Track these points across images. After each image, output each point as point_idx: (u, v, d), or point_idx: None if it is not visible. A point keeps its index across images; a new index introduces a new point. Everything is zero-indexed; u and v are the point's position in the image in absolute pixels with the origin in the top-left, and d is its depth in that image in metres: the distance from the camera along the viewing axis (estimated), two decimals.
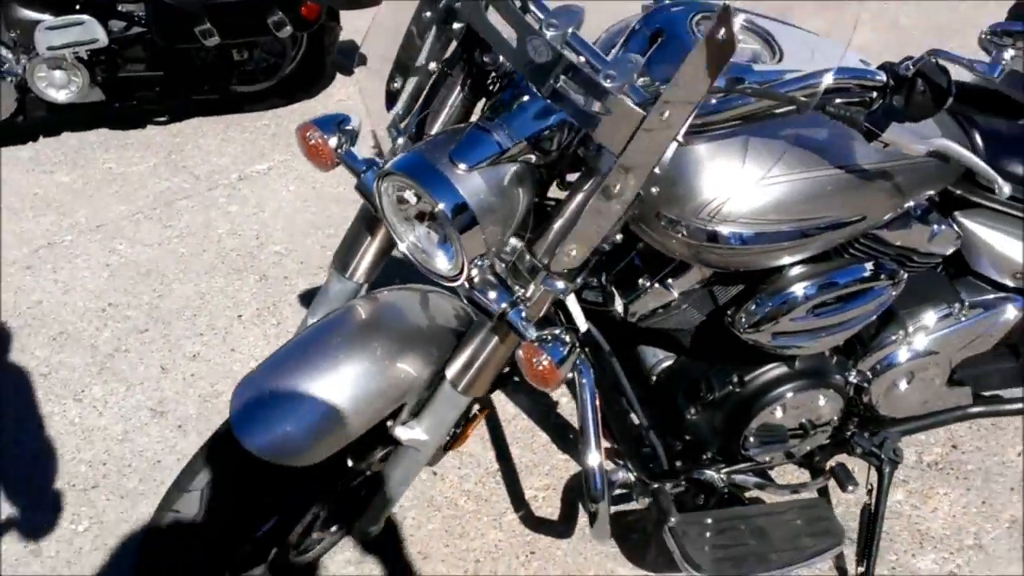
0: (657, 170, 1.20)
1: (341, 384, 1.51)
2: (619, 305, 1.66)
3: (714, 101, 1.29)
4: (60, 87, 3.55)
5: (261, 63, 3.89)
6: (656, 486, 1.85)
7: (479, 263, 1.36)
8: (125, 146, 3.75)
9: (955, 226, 1.75)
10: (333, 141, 1.52)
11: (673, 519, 1.80)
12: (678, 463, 1.87)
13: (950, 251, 1.76)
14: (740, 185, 1.38)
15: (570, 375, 1.43)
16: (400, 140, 1.50)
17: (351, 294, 1.71)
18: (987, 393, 2.09)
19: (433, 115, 1.50)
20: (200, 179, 3.50)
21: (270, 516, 1.68)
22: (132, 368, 2.55)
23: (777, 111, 1.31)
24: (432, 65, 1.46)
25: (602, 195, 1.21)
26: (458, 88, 1.47)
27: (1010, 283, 1.85)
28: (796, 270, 1.60)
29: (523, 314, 1.41)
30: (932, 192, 1.65)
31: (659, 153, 1.16)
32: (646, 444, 1.84)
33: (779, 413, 1.78)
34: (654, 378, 1.85)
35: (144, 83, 3.71)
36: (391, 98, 1.53)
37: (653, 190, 1.29)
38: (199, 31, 3.46)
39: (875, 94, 1.30)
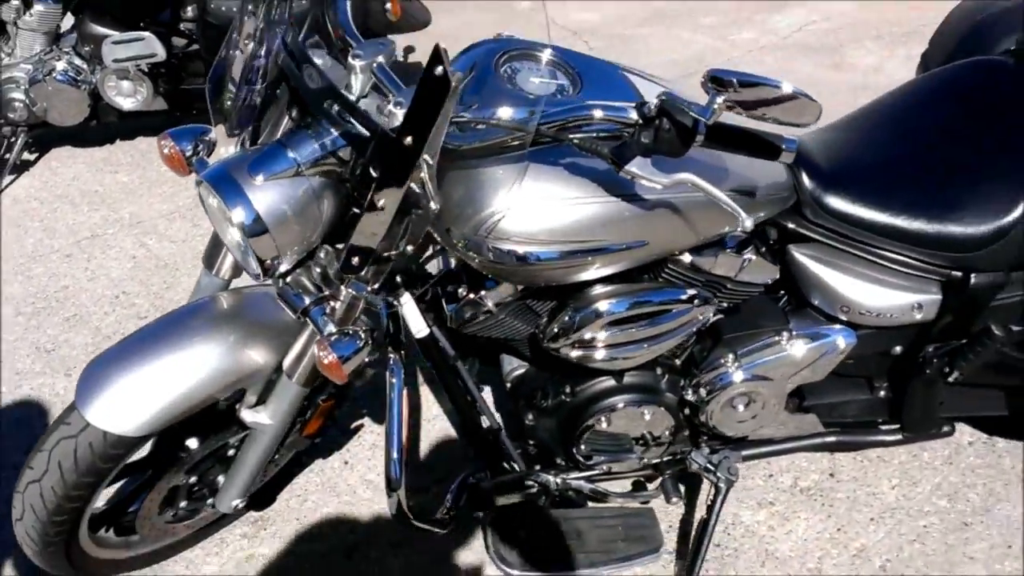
0: (431, 189, 1.40)
1: (182, 364, 1.75)
2: (446, 312, 1.82)
3: (482, 127, 1.46)
4: (127, 96, 3.93)
5: None
6: (491, 483, 2.01)
7: (279, 264, 1.57)
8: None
9: (772, 258, 1.84)
10: (188, 150, 1.71)
11: (491, 514, 1.96)
12: (515, 465, 2.01)
13: (768, 281, 1.86)
14: (514, 206, 1.53)
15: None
16: (232, 150, 1.72)
17: (217, 289, 1.95)
18: (847, 422, 2.16)
19: (266, 127, 1.70)
20: None
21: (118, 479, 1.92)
22: None
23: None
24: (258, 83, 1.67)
25: (368, 209, 1.40)
26: (284, 104, 1.67)
27: (840, 316, 1.93)
28: (602, 288, 1.74)
29: (325, 312, 1.62)
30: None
31: (408, 172, 1.34)
32: (498, 446, 2.00)
33: (604, 424, 1.92)
34: (508, 384, 2.02)
35: (201, 95, 4.05)
36: (220, 112, 1.75)
37: (432, 205, 1.43)
38: None
39: (629, 130, 1.43)
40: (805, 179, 1.84)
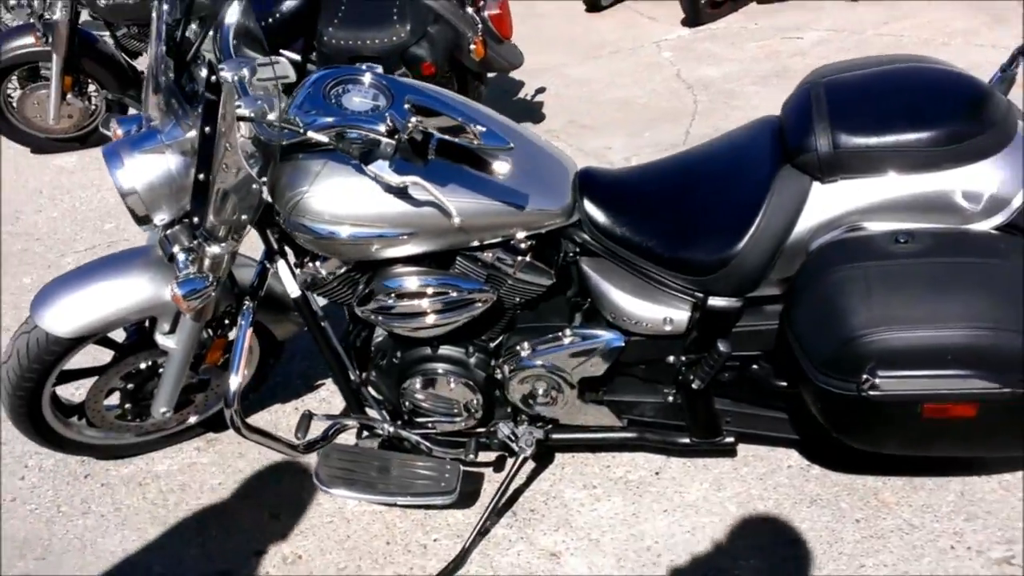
0: (243, 168, 2.03)
1: (108, 291, 2.41)
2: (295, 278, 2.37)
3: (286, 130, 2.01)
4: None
5: None
6: (341, 424, 2.54)
7: (153, 218, 2.20)
8: None
9: (548, 264, 2.25)
10: (132, 131, 2.33)
11: (326, 446, 2.48)
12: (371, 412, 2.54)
13: (545, 283, 2.28)
14: (312, 191, 2.10)
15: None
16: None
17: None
18: (646, 421, 2.51)
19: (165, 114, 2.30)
20: None
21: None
22: None
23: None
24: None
25: (198, 182, 2.07)
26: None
27: (612, 321, 2.32)
28: (402, 268, 2.23)
29: (191, 260, 2.22)
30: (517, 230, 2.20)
31: (210, 154, 2.01)
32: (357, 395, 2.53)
33: (418, 387, 2.42)
34: (372, 346, 2.54)
35: None
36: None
37: (254, 187, 2.07)
38: None
39: (381, 138, 1.94)
40: (587, 203, 2.26)
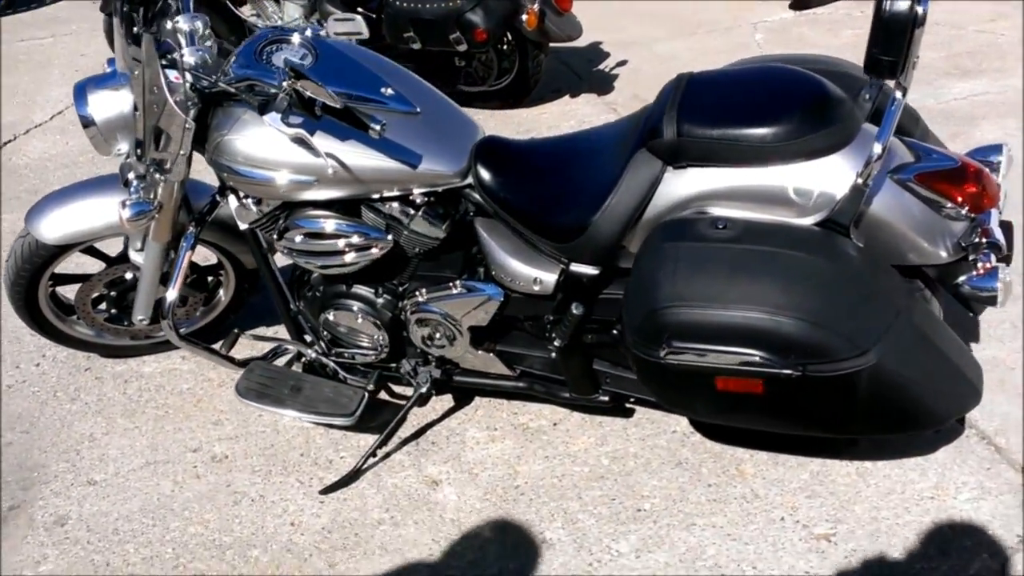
0: (173, 109, 2.39)
1: (89, 209, 2.81)
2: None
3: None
4: None
5: (479, 72, 5.16)
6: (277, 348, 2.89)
7: (112, 148, 2.59)
8: None
9: (437, 220, 2.52)
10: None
11: (253, 362, 2.83)
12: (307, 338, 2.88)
13: (438, 236, 2.54)
14: (231, 135, 2.44)
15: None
16: None
17: None
18: (535, 373, 2.74)
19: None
20: None
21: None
22: None
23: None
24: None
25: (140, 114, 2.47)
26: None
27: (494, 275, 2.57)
28: (312, 210, 2.54)
29: (140, 185, 2.60)
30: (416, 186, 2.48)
31: (145, 101, 2.40)
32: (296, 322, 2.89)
33: (331, 318, 2.73)
34: (309, 280, 2.86)
35: None
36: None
37: (185, 125, 2.42)
38: (406, 36, 4.85)
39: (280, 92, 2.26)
40: (480, 168, 2.50)
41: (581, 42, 6.16)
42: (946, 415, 2.22)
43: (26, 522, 2.69)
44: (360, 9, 5.07)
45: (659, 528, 2.48)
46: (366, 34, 4.96)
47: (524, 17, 4.76)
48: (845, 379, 2.09)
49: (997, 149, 2.44)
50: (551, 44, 5.15)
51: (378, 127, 2.24)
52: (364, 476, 2.75)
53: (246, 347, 3.23)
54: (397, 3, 4.88)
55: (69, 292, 3.19)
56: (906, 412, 2.17)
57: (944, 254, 2.21)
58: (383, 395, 3.03)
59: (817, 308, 2.06)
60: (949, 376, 2.19)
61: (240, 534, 2.60)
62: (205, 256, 3.17)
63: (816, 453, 2.63)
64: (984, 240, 2.17)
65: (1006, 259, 2.23)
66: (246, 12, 5.52)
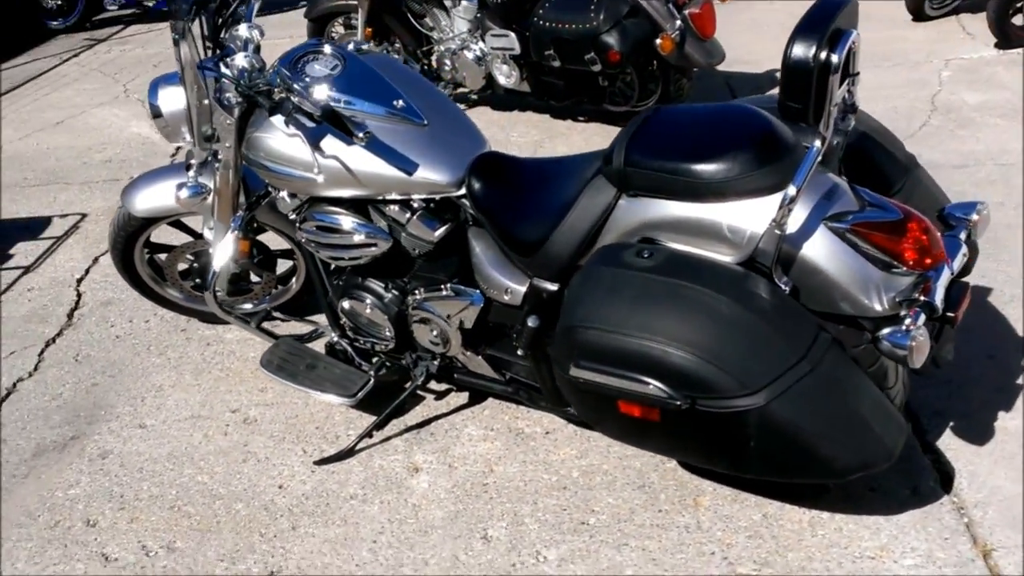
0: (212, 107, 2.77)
1: (168, 190, 3.21)
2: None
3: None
4: (505, 76, 5.47)
5: (624, 93, 5.27)
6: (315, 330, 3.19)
7: (181, 137, 2.97)
8: (521, 123, 5.58)
9: (430, 224, 2.70)
10: None
11: (281, 338, 3.12)
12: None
13: (431, 240, 2.73)
14: (259, 133, 2.76)
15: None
16: None
17: None
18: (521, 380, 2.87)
19: None
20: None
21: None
22: None
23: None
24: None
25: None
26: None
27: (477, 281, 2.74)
28: (326, 206, 2.81)
29: (198, 170, 2.98)
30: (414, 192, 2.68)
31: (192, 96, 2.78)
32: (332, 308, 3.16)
33: (346, 306, 2.98)
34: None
35: (551, 87, 5.40)
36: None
37: (226, 122, 2.79)
38: (547, 54, 5.05)
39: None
40: (472, 180, 2.67)
41: (757, 68, 6.14)
42: (844, 469, 2.16)
43: (78, 451, 3.11)
44: (515, 26, 5.31)
45: (592, 543, 2.54)
46: (518, 50, 5.28)
47: (659, 41, 4.84)
48: (734, 417, 2.10)
49: (972, 207, 2.35)
50: (710, 68, 5.21)
51: (362, 135, 2.46)
52: (359, 454, 2.96)
53: (298, 325, 3.52)
54: (542, 22, 5.09)
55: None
56: (799, 458, 2.13)
57: (879, 307, 2.16)
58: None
59: (708, 344, 2.09)
60: (854, 429, 2.13)
61: (235, 488, 2.89)
62: (281, 242, 3.49)
63: (779, 496, 2.59)
64: (922, 298, 2.12)
65: (949, 321, 2.17)
66: (426, 25, 5.88)
